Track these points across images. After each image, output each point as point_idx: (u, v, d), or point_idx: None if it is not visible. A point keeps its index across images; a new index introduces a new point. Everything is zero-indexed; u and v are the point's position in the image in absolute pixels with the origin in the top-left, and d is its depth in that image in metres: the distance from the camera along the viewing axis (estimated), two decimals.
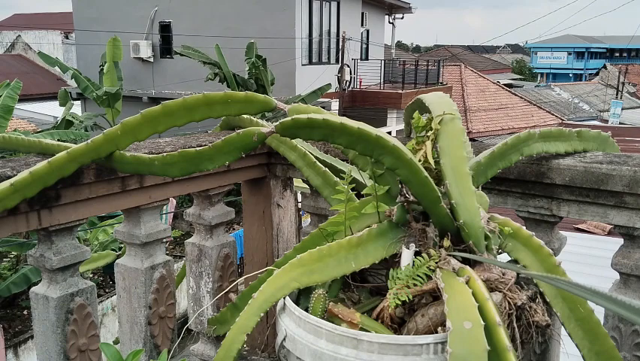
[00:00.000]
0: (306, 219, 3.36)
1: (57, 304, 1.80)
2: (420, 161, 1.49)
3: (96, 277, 9.26)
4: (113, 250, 8.08)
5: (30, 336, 7.15)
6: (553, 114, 23.31)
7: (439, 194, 1.45)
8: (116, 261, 2.13)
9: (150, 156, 1.67)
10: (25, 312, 7.97)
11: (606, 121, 24.42)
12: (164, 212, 8.95)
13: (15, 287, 7.59)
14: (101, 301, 8.25)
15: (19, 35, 26.26)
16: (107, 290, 8.87)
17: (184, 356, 2.52)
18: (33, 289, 1.87)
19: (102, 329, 7.91)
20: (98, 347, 1.92)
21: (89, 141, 1.61)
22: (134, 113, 1.58)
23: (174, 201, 9.96)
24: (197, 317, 2.33)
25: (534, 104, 23.76)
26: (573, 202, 1.85)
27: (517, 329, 1.46)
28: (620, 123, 23.35)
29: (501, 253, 1.61)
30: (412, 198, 1.53)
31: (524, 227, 1.64)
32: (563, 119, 22.75)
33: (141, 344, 2.09)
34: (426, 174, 1.41)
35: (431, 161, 1.51)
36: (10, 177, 1.57)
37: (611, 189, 1.74)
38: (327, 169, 1.95)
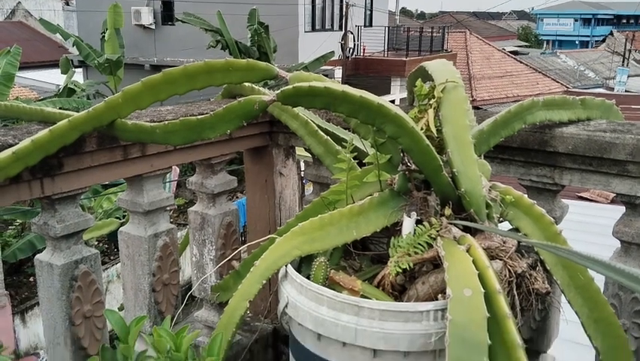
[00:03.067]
0: (309, 188, 3.36)
1: (61, 272, 1.81)
2: (422, 129, 1.48)
3: (101, 244, 9.34)
4: (117, 218, 8.12)
5: (36, 303, 7.25)
6: (558, 82, 23.11)
7: (441, 162, 1.45)
8: (120, 229, 2.14)
9: (152, 124, 1.67)
10: (31, 279, 8.06)
11: (612, 89, 24.20)
12: (167, 180, 8.98)
13: (21, 253, 7.67)
14: (106, 269, 8.33)
15: (20, 2, 25.98)
16: (112, 258, 8.96)
17: (188, 322, 2.55)
18: (37, 256, 1.88)
19: (107, 295, 8.01)
20: (103, 313, 1.95)
21: (90, 109, 1.61)
22: (136, 81, 1.57)
23: (177, 170, 9.99)
24: (200, 284, 2.35)
25: (539, 72, 23.55)
26: (576, 171, 1.84)
27: (517, 297, 1.47)
28: (626, 91, 23.14)
29: (502, 221, 1.62)
30: (413, 166, 1.53)
31: (526, 195, 1.64)
32: (568, 87, 22.57)
33: (145, 311, 2.11)
34: (428, 142, 1.41)
35: (433, 129, 1.51)
36: (11, 146, 1.57)
37: (614, 157, 1.73)
38: (329, 138, 1.94)
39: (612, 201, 7.80)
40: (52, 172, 1.71)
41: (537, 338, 2.02)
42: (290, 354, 1.57)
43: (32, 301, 7.41)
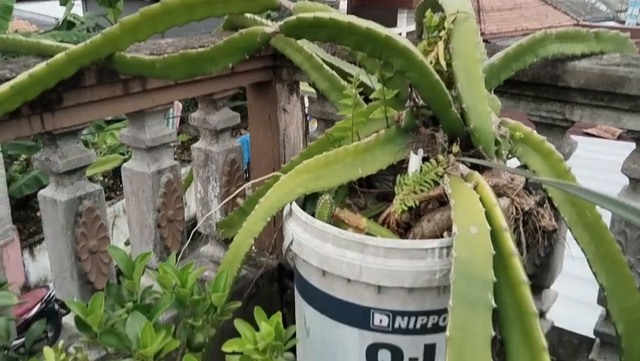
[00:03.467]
0: (313, 125, 3.32)
1: (66, 207, 1.81)
2: (431, 63, 1.43)
3: (106, 180, 9.38)
4: (121, 153, 8.12)
5: (44, 237, 7.34)
6: (568, 15, 22.50)
7: (450, 98, 1.41)
8: (123, 165, 2.13)
9: (151, 57, 1.62)
10: (38, 214, 8.14)
11: (623, 22, 23.57)
12: (169, 116, 8.92)
13: (27, 189, 7.73)
14: (112, 204, 8.40)
15: None
16: (117, 193, 9.01)
17: (195, 257, 2.57)
18: (41, 192, 1.87)
19: (114, 230, 8.11)
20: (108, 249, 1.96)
21: (88, 41, 1.56)
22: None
23: (180, 106, 9.90)
24: (205, 221, 2.35)
25: (549, 4, 22.89)
26: (587, 106, 1.80)
27: (523, 234, 1.46)
28: (637, 24, 22.55)
29: (510, 158, 1.59)
30: (421, 102, 1.49)
31: (535, 132, 1.61)
32: (578, 20, 21.98)
33: (151, 247, 2.12)
34: (437, 76, 1.36)
35: (443, 63, 1.46)
36: (9, 79, 1.53)
37: (626, 92, 1.68)
38: (334, 72, 1.88)
39: (619, 138, 7.74)
40: (51, 107, 1.67)
41: (541, 274, 2.04)
42: (295, 289, 1.58)
43: (40, 236, 7.50)
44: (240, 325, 1.06)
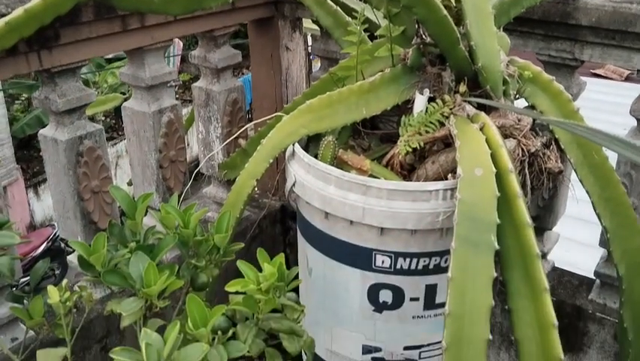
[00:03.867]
0: (316, 64, 3.26)
1: (66, 147, 1.79)
2: None
3: (108, 120, 9.32)
4: (122, 93, 8.04)
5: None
6: None
7: (458, 35, 1.36)
8: (123, 104, 2.10)
9: None
10: (41, 153, 8.11)
11: None
12: (170, 55, 8.77)
13: (29, 129, 7.70)
14: (115, 144, 8.38)
15: None
16: (119, 133, 8.97)
17: (198, 198, 2.58)
18: (42, 131, 1.86)
19: (118, 170, 8.12)
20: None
21: None
22: None
23: (181, 44, 9.72)
24: (207, 162, 2.34)
25: None
26: (597, 45, 1.75)
27: (528, 176, 1.45)
28: None
29: (518, 98, 1.56)
30: (428, 39, 1.44)
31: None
32: None
33: (154, 187, 2.12)
34: (445, 12, 1.32)
35: None
36: (4, 15, 1.49)
37: (639, 31, 1.63)
38: (338, 8, 1.82)
39: (627, 79, 7.63)
40: (49, 44, 1.63)
41: (544, 216, 2.04)
42: (297, 231, 1.58)
43: (44, 175, 7.52)
44: (243, 266, 1.07)
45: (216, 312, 0.94)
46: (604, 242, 1.95)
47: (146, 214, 1.38)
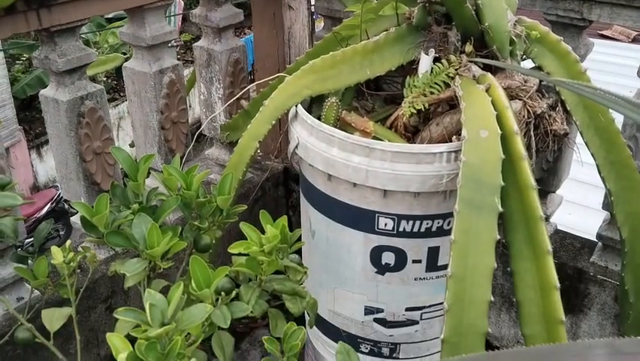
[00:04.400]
0: (320, 24, 3.20)
1: (67, 108, 1.78)
2: None
3: (109, 80, 9.24)
4: (123, 53, 7.95)
5: None
6: None
7: None
8: (124, 64, 2.07)
9: None
10: (43, 114, 8.07)
11: None
12: (171, 14, 8.65)
13: (30, 89, 7.65)
14: (117, 105, 8.33)
15: None
16: (121, 94, 8.90)
17: (200, 160, 2.57)
18: (42, 92, 1.84)
19: (120, 131, 8.10)
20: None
21: None
22: None
23: (182, 3, 9.57)
24: (210, 123, 2.32)
25: None
26: (605, 5, 1.71)
27: (533, 138, 1.43)
28: None
29: (525, 59, 1.53)
30: None
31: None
32: None
33: (156, 149, 2.11)
34: None
35: None
36: None
37: None
38: None
39: (634, 40, 7.51)
40: (48, 2, 1.60)
41: (547, 179, 2.03)
42: (300, 193, 1.57)
43: (47, 137, 7.47)
44: (245, 227, 1.06)
45: (219, 273, 0.94)
46: (607, 205, 1.95)
47: (148, 176, 1.38)
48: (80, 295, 1.23)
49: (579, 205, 3.25)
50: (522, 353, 0.50)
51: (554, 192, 2.10)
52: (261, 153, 2.61)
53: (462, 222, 1.15)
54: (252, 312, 1.02)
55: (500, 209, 1.16)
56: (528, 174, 1.21)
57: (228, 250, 1.06)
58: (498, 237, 1.15)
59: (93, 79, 6.83)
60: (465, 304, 1.12)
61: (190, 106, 8.02)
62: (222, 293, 0.98)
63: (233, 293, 0.99)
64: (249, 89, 2.14)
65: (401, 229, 1.35)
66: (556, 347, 0.49)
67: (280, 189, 2.61)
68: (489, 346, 2.38)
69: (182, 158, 2.10)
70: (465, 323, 1.11)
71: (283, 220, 1.07)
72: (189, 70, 7.22)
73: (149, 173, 1.27)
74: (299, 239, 1.11)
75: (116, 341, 0.79)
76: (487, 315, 1.12)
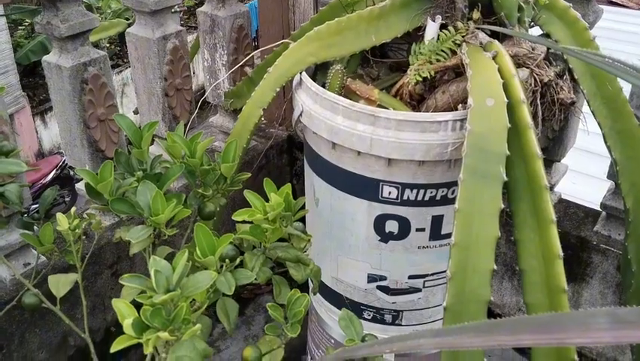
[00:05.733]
0: None
1: (71, 74, 1.77)
2: None
3: (113, 46, 9.16)
4: (126, 18, 7.87)
5: None
6: None
7: None
8: (127, 30, 2.05)
9: None
10: (46, 80, 8.02)
11: None
12: None
13: (33, 55, 7.59)
14: (120, 72, 8.27)
15: None
16: (125, 60, 8.83)
17: (204, 127, 2.56)
18: (45, 58, 1.83)
19: (124, 98, 8.06)
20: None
21: None
22: None
23: None
24: (214, 90, 2.31)
25: None
26: None
27: (540, 107, 1.42)
28: None
29: (533, 26, 1.51)
30: None
31: None
32: None
33: (160, 116, 2.10)
34: None
35: None
36: None
37: None
38: None
39: None
40: None
41: (553, 148, 2.02)
42: (304, 161, 1.57)
43: (51, 103, 7.41)
44: (249, 195, 1.06)
45: (224, 241, 0.95)
46: (612, 175, 1.94)
47: (152, 143, 1.37)
48: (85, 261, 1.24)
49: (583, 174, 3.24)
50: (524, 321, 0.50)
51: (559, 161, 2.09)
52: (265, 121, 2.61)
53: (466, 190, 1.15)
54: (256, 279, 1.03)
55: (505, 178, 1.15)
56: (534, 144, 1.20)
57: (232, 218, 1.06)
58: (502, 206, 1.15)
59: (96, 45, 6.76)
60: (468, 273, 1.12)
61: (194, 73, 7.95)
62: (227, 260, 0.98)
63: (238, 260, 0.99)
64: (253, 56, 2.13)
65: (405, 198, 1.35)
66: (558, 315, 0.49)
67: (284, 157, 2.60)
68: (491, 313, 2.40)
69: (186, 125, 2.10)
70: (467, 290, 1.12)
71: (287, 188, 1.07)
72: (193, 36, 7.15)
73: (153, 140, 1.26)
74: (303, 207, 1.12)
75: (121, 306, 0.80)
76: (490, 284, 1.13)
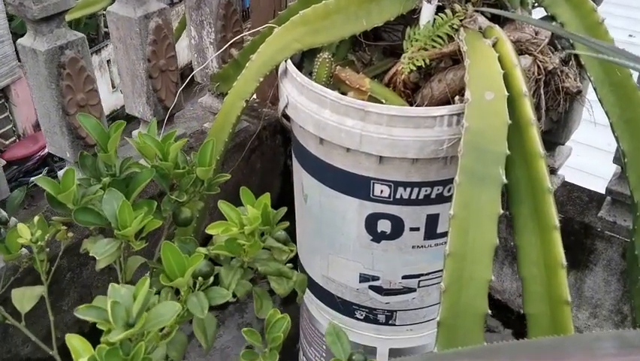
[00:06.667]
0: None
1: (46, 58, 1.67)
2: None
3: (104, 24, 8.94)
4: None
5: None
6: None
7: None
8: (107, 9, 1.93)
9: None
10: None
11: None
12: None
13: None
14: (106, 46, 8.04)
15: None
16: (109, 37, 8.63)
17: (193, 106, 2.46)
18: (20, 41, 1.72)
19: (111, 75, 7.83)
20: (99, 101, 1.85)
21: None
22: None
23: None
24: (202, 70, 2.20)
25: None
26: None
27: (543, 96, 1.32)
28: None
29: (536, 7, 1.40)
30: None
31: None
32: None
33: (144, 99, 2.00)
34: None
35: None
36: None
37: None
38: None
39: None
40: None
41: (557, 130, 1.92)
42: (293, 156, 1.48)
43: None
44: (224, 206, 0.98)
45: (195, 260, 0.86)
46: (618, 159, 1.85)
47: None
48: (51, 273, 1.15)
49: (587, 146, 3.16)
50: (523, 345, 0.45)
51: (563, 144, 1.99)
52: (257, 100, 2.50)
53: (462, 195, 1.06)
54: (234, 295, 0.95)
55: (505, 181, 1.06)
56: (536, 142, 1.10)
57: (206, 231, 0.97)
58: (501, 211, 1.06)
59: (79, 21, 6.58)
60: (463, 284, 1.04)
61: (176, 53, 7.75)
62: (199, 278, 0.90)
63: (211, 279, 0.91)
64: (242, 37, 2.01)
65: (398, 196, 1.26)
66: (560, 339, 0.45)
67: (278, 137, 2.51)
68: (491, 298, 2.34)
69: (171, 108, 2.01)
70: (463, 303, 1.04)
71: (265, 199, 0.98)
72: (180, 8, 6.94)
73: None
74: (285, 216, 1.03)
75: (75, 342, 0.72)
76: (487, 295, 1.05)
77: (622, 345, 0.41)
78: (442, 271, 1.05)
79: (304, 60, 1.39)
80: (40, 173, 6.48)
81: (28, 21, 1.65)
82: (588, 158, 3.31)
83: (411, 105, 1.29)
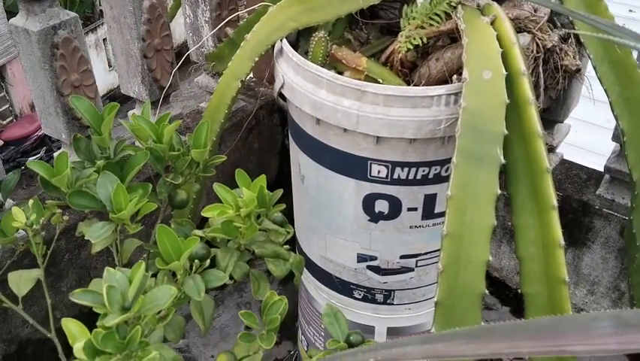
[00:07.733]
0: None
1: (39, 39, 1.65)
2: None
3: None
4: None
5: None
6: None
7: None
8: None
9: None
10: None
11: None
12: None
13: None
14: (102, 24, 7.95)
15: None
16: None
17: (190, 84, 2.44)
18: (12, 21, 1.70)
19: (107, 54, 7.76)
20: (93, 82, 1.83)
21: None
22: None
23: None
24: (197, 49, 2.18)
25: None
26: None
27: (542, 75, 1.31)
28: None
29: None
30: None
31: None
32: None
33: (139, 79, 1.98)
34: None
35: None
36: None
37: None
38: None
39: None
40: None
41: (555, 108, 1.91)
42: (289, 136, 1.47)
43: None
44: (219, 189, 0.97)
45: (190, 243, 0.86)
46: (617, 137, 1.84)
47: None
48: (48, 256, 1.15)
49: (586, 122, 3.14)
50: (521, 326, 0.46)
51: (562, 122, 1.98)
52: (254, 79, 2.48)
53: (460, 175, 1.05)
54: (231, 277, 0.95)
55: (503, 161, 1.05)
56: (535, 121, 1.09)
57: (202, 214, 0.97)
58: (499, 192, 1.06)
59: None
60: (461, 265, 1.04)
61: (171, 31, 7.65)
62: (196, 261, 0.90)
63: (208, 262, 0.91)
64: (237, 16, 1.99)
65: (395, 177, 1.26)
66: (558, 319, 0.45)
67: (275, 116, 2.49)
68: (489, 276, 2.34)
69: (167, 88, 1.99)
70: (460, 284, 1.04)
71: (261, 181, 0.97)
72: None
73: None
74: (282, 198, 1.02)
75: (72, 327, 0.72)
76: (484, 276, 1.05)
77: (619, 324, 0.41)
78: (439, 250, 1.05)
79: (300, 39, 1.37)
80: (38, 153, 6.46)
81: (20, 1, 1.63)
82: (587, 135, 3.29)
83: (408, 85, 1.28)
